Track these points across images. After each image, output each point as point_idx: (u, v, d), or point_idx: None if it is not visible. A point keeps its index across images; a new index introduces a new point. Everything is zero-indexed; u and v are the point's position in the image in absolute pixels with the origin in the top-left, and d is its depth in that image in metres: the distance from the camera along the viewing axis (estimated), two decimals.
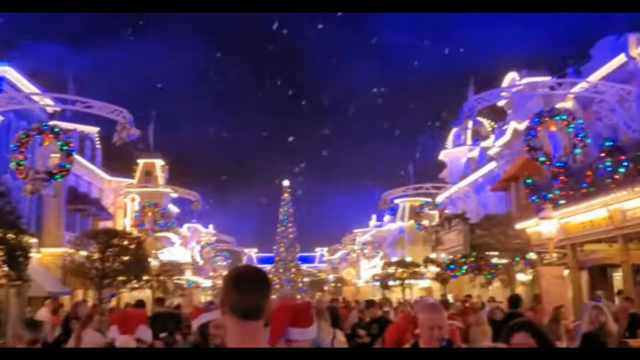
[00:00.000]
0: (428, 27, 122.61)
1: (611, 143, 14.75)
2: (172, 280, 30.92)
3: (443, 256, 28.04)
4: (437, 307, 4.86)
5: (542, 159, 19.46)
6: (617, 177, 14.49)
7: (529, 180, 19.87)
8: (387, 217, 64.40)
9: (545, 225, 16.45)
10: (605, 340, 6.85)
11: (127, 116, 21.55)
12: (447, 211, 37.75)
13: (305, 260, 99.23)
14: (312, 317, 3.92)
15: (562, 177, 17.39)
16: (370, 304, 13.43)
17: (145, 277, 25.46)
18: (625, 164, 13.79)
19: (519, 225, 20.60)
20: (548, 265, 17.81)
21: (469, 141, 43.55)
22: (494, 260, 24.17)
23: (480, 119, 43.74)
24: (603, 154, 14.96)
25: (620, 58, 19.84)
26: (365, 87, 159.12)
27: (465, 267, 26.80)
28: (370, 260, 61.03)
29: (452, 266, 27.76)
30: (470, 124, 20.51)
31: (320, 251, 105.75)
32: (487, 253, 22.95)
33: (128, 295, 27.56)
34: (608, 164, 14.59)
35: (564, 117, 19.66)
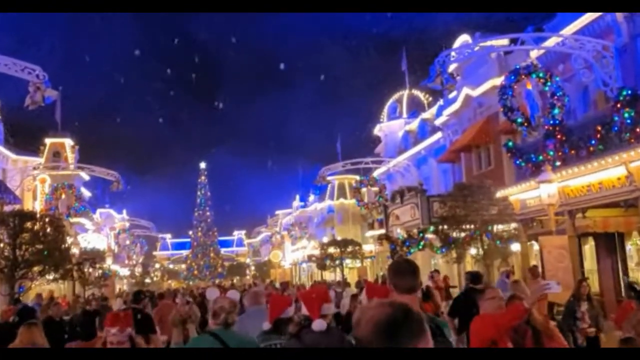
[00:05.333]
0: None
1: (629, 92, 12.87)
2: (95, 269, 27.36)
3: (399, 232, 25.95)
4: None
5: (519, 120, 17.78)
6: (639, 130, 12.63)
7: (510, 143, 17.96)
8: (312, 197, 62.35)
9: (545, 190, 14.47)
10: None
11: (42, 75, 18.20)
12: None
13: (222, 244, 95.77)
14: None
15: (559, 136, 15.48)
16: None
17: (67, 267, 21.86)
18: None
19: (499, 194, 18.64)
20: (544, 235, 15.98)
21: (405, 114, 41.70)
22: (454, 234, 22.28)
23: (416, 92, 42.06)
24: (619, 105, 13.05)
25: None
26: (291, 58, 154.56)
27: (422, 243, 24.90)
28: (298, 241, 58.68)
29: (407, 242, 25.79)
30: (440, 81, 18.32)
31: (237, 234, 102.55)
32: (451, 227, 20.94)
33: (39, 289, 23.80)
34: (628, 115, 12.69)
35: (542, 74, 18.04)
